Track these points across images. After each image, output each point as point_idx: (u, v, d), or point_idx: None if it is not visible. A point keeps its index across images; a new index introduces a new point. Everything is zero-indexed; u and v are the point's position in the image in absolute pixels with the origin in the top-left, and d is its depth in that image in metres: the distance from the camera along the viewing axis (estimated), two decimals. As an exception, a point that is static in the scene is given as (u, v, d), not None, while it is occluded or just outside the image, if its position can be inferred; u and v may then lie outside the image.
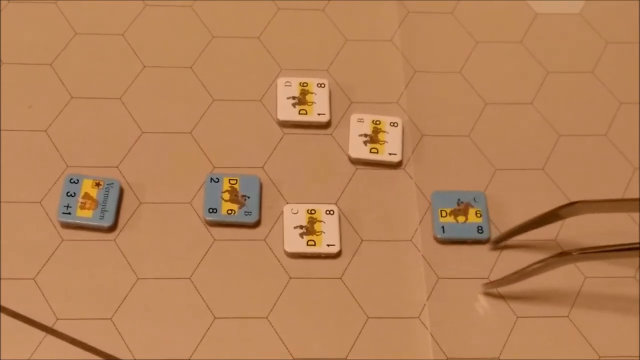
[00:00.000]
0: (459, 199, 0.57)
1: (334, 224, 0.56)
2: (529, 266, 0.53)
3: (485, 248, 0.57)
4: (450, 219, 0.57)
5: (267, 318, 0.54)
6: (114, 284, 0.54)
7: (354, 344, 0.53)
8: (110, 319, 0.53)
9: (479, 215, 0.57)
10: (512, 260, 0.56)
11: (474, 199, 0.57)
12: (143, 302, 0.53)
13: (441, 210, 0.57)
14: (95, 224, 0.55)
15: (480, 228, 0.57)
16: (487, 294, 0.55)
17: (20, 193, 0.56)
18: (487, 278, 0.56)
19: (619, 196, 0.60)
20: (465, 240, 0.57)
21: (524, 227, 0.56)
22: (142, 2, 0.65)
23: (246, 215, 0.56)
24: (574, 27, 0.68)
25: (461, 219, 0.57)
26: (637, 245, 0.50)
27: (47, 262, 0.54)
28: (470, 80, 0.64)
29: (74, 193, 0.55)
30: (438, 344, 0.54)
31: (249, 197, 0.56)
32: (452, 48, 0.65)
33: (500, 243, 0.57)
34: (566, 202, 0.59)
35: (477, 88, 0.64)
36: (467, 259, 0.57)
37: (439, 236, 0.56)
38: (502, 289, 0.56)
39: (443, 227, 0.56)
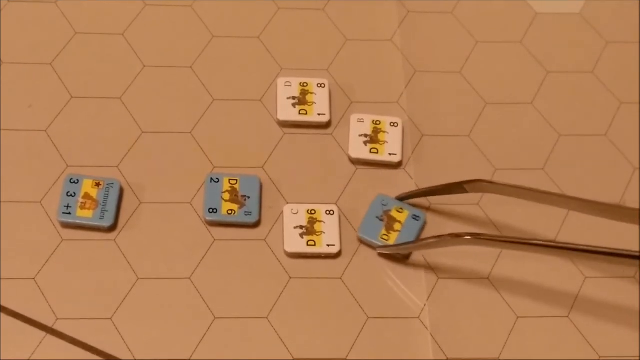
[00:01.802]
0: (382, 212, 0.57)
1: (334, 224, 0.56)
2: (424, 239, 0.54)
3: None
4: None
5: (267, 318, 0.54)
6: (114, 284, 0.54)
7: (354, 344, 0.53)
8: (110, 318, 0.53)
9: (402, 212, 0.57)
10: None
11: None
12: (143, 302, 0.53)
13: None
14: (95, 224, 0.55)
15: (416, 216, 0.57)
16: (399, 263, 0.56)
17: (20, 193, 0.56)
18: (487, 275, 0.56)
19: (618, 196, 0.60)
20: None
21: (431, 191, 0.57)
22: (142, 2, 0.65)
23: (246, 215, 0.56)
24: (574, 27, 0.68)
25: (397, 226, 0.56)
26: (533, 242, 0.51)
27: (47, 262, 0.54)
28: (470, 80, 0.64)
29: (74, 193, 0.55)
30: (438, 344, 0.54)
31: (249, 197, 0.56)
32: (452, 48, 0.65)
33: (404, 200, 0.57)
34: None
35: (477, 88, 0.64)
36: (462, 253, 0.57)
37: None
38: (505, 293, 0.56)
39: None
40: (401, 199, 0.58)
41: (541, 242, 0.51)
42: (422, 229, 0.57)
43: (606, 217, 0.53)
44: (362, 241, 0.56)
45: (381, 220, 0.56)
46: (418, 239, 0.56)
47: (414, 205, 0.58)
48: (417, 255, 0.57)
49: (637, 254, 0.49)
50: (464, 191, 0.56)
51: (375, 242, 0.56)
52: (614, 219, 0.52)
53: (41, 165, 0.57)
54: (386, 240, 0.56)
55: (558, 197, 0.55)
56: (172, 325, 0.53)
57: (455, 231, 0.57)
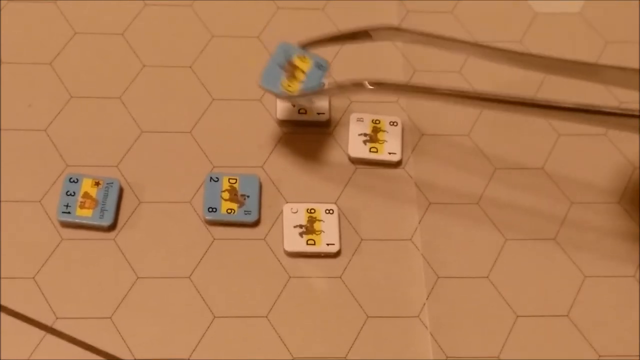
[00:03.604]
0: None
1: (334, 223, 0.56)
2: (328, 87, 0.54)
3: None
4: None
5: (266, 317, 0.54)
6: (114, 283, 0.54)
7: (353, 343, 0.53)
8: (110, 318, 0.53)
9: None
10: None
11: None
12: (143, 301, 0.53)
13: None
14: (95, 223, 0.55)
15: None
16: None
17: (19, 192, 0.56)
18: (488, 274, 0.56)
19: (618, 197, 0.60)
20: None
21: (335, 37, 0.56)
22: (141, 2, 0.65)
23: (246, 214, 0.56)
24: (574, 27, 0.68)
25: (300, 75, 0.55)
26: (438, 89, 0.51)
27: (46, 261, 0.54)
28: (470, 80, 0.64)
29: (74, 192, 0.55)
30: (438, 344, 0.54)
31: (248, 197, 0.56)
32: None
33: (307, 46, 0.56)
34: (566, 202, 0.59)
35: (476, 88, 0.64)
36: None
37: None
38: (505, 293, 0.56)
39: None
40: (304, 46, 0.56)
41: (448, 90, 0.51)
42: (324, 77, 0.55)
43: (508, 64, 0.53)
44: (265, 90, 0.54)
45: (283, 68, 0.54)
46: (321, 88, 0.54)
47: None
48: (417, 255, 0.57)
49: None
50: (370, 38, 0.54)
51: (277, 92, 0.54)
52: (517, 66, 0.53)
53: (41, 165, 0.57)
54: (288, 89, 0.54)
55: (462, 43, 0.54)
56: (171, 324, 0.53)
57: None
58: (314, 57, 0.56)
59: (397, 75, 0.63)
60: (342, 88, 0.52)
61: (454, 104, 0.54)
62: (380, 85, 0.51)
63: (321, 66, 0.55)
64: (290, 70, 0.55)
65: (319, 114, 0.60)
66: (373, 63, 0.64)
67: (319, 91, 0.55)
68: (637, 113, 0.50)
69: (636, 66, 0.66)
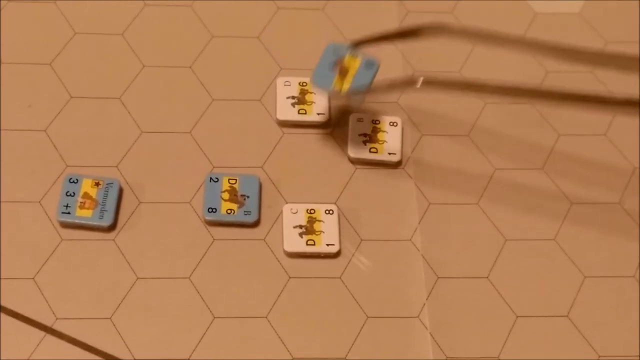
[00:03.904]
0: None
1: (334, 223, 0.56)
2: (379, 84, 0.54)
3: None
4: None
5: (266, 318, 0.54)
6: (114, 284, 0.54)
7: (353, 344, 0.53)
8: (110, 318, 0.53)
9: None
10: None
11: None
12: (142, 302, 0.53)
13: None
14: (95, 223, 0.55)
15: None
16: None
17: (19, 192, 0.56)
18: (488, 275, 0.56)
19: (618, 196, 0.60)
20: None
21: (384, 36, 0.57)
22: (141, 2, 0.65)
23: (245, 214, 0.56)
24: (574, 27, 0.68)
25: (350, 74, 0.56)
26: (485, 84, 0.52)
27: (46, 261, 0.54)
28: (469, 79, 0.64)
29: (74, 193, 0.55)
30: (438, 344, 0.54)
31: (248, 197, 0.56)
32: (451, 48, 0.65)
33: (357, 47, 0.57)
34: (566, 202, 0.59)
35: (477, 88, 0.64)
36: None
37: None
38: (504, 293, 0.56)
39: None
40: (354, 45, 0.57)
41: (496, 87, 0.52)
42: (375, 75, 0.56)
43: (560, 58, 0.53)
44: (317, 90, 0.56)
45: (334, 68, 0.56)
46: (371, 85, 0.55)
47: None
48: (417, 256, 0.57)
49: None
50: (419, 35, 0.55)
51: (329, 90, 0.55)
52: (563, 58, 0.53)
53: (41, 165, 0.57)
54: (339, 88, 0.55)
55: (508, 40, 0.54)
56: (171, 324, 0.53)
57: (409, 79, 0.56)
58: (363, 56, 0.56)
59: (397, 75, 0.63)
60: (393, 85, 0.53)
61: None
62: (431, 83, 0.52)
63: (371, 64, 0.56)
64: (341, 69, 0.56)
65: (319, 114, 0.60)
66: (373, 63, 0.64)
67: (369, 89, 0.55)
68: None
69: (636, 68, 0.66)
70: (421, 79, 0.52)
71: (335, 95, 0.55)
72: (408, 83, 0.53)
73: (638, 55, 0.52)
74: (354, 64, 0.56)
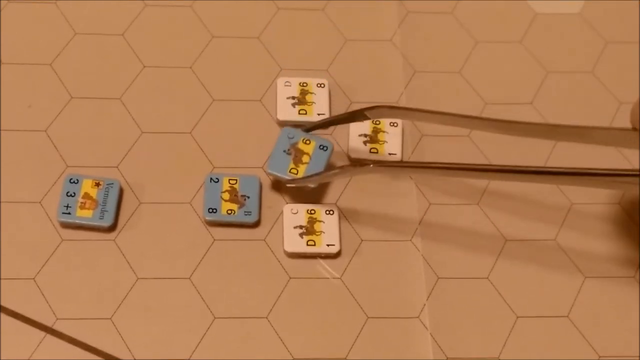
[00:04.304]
0: None
1: (334, 224, 0.56)
2: (327, 171, 0.55)
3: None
4: None
5: (267, 318, 0.54)
6: (114, 284, 0.54)
7: (353, 344, 0.53)
8: (110, 318, 0.53)
9: None
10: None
11: None
12: (143, 302, 0.53)
13: None
14: (95, 223, 0.55)
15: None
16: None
17: (19, 193, 0.56)
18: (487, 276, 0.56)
19: (618, 197, 0.60)
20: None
21: (334, 120, 0.58)
22: (142, 2, 0.65)
23: (246, 215, 0.56)
24: (574, 27, 0.68)
25: (305, 158, 0.57)
26: (434, 164, 0.54)
27: (46, 262, 0.54)
28: (470, 80, 0.64)
29: (74, 193, 0.55)
30: (438, 344, 0.54)
31: (248, 197, 0.56)
32: (452, 48, 0.65)
33: (310, 131, 0.58)
34: (565, 202, 0.59)
35: (477, 88, 0.64)
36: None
37: None
38: (505, 293, 0.56)
39: None
40: (307, 130, 0.58)
41: (445, 165, 0.54)
42: (330, 158, 0.57)
43: (507, 133, 0.55)
44: (272, 176, 0.57)
45: (289, 153, 0.56)
46: (327, 168, 0.57)
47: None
48: (417, 256, 0.57)
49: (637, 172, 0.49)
50: (366, 118, 0.57)
51: (284, 177, 0.56)
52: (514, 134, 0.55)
53: (41, 166, 0.57)
54: (295, 173, 0.56)
55: (462, 118, 0.55)
56: (171, 325, 0.53)
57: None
58: (317, 139, 0.57)
59: (397, 75, 0.63)
60: (343, 170, 0.55)
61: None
62: (381, 165, 0.55)
63: (325, 147, 0.57)
64: (295, 154, 0.56)
65: (319, 114, 0.60)
66: (373, 63, 0.64)
67: (323, 173, 0.56)
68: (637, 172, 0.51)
69: (636, 66, 0.66)
70: (370, 164, 0.55)
71: (291, 180, 0.56)
72: (359, 166, 0.56)
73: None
74: (309, 148, 0.57)
